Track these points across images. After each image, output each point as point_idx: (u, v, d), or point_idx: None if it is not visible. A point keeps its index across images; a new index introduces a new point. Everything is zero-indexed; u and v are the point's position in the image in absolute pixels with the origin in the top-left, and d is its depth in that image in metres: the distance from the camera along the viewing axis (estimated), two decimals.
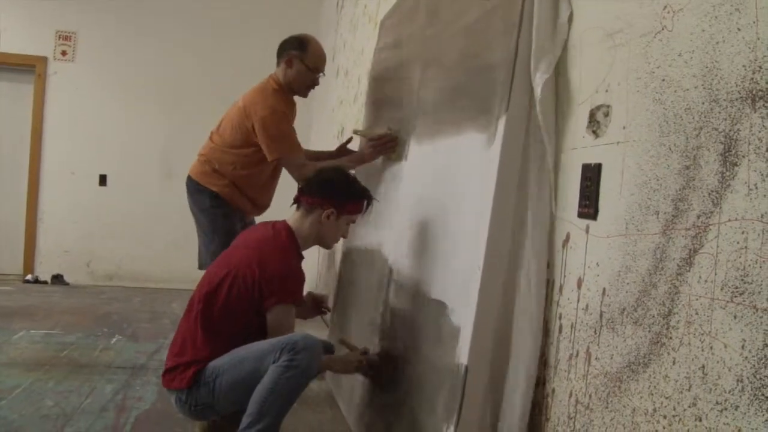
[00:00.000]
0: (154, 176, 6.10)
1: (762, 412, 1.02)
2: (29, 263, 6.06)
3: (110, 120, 6.05)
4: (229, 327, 2.19)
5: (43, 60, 5.99)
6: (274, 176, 3.13)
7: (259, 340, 2.16)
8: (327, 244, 2.43)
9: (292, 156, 2.93)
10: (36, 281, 5.94)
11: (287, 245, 2.28)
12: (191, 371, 2.14)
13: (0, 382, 3.03)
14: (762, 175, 1.06)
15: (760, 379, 1.03)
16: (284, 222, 2.36)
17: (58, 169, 6.03)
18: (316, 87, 3.11)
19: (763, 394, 1.02)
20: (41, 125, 6.01)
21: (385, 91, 3.12)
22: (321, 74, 3.05)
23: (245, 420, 2.04)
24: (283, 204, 2.74)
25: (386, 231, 2.62)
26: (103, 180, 6.12)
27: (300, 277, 2.27)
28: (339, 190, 2.34)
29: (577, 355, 1.55)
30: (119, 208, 6.07)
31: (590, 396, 1.49)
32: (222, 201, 3.03)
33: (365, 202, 2.38)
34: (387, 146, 2.80)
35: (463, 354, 1.71)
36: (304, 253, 2.39)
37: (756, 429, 1.03)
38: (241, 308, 2.19)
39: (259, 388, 2.03)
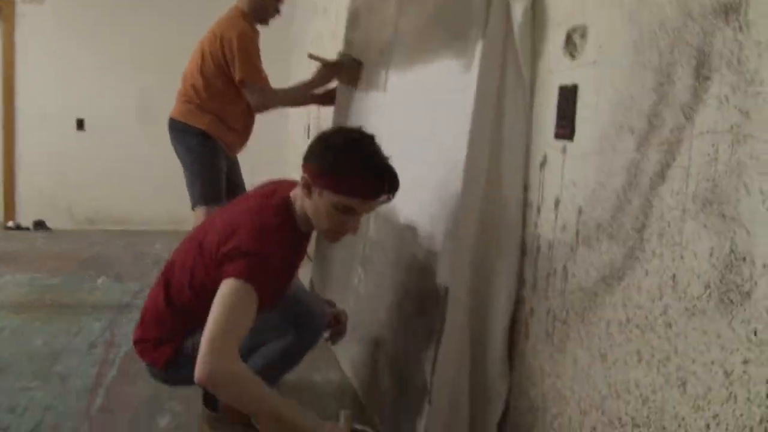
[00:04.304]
0: (133, 119, 6.01)
1: (726, 314, 1.07)
2: (10, 210, 6.00)
3: (85, 63, 5.90)
4: (196, 303, 1.81)
5: (10, 2, 5.80)
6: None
7: None
8: (318, 229, 1.83)
9: (255, 79, 2.95)
10: (18, 228, 5.90)
11: (272, 223, 1.75)
12: (166, 350, 1.89)
13: None
14: (733, 87, 1.08)
15: (726, 284, 1.07)
16: (288, 189, 1.87)
17: (34, 114, 5.91)
18: (278, 17, 3.19)
19: (728, 298, 1.07)
20: (12, 70, 5.87)
21: (363, 24, 3.09)
22: (282, 2, 3.15)
23: None
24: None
25: None
26: (80, 124, 6.03)
27: (271, 260, 1.67)
28: (315, 151, 1.74)
29: (554, 273, 1.60)
30: (98, 152, 5.99)
31: (567, 312, 1.54)
32: (209, 139, 3.04)
33: (359, 184, 1.67)
34: (338, 72, 2.99)
35: (443, 276, 1.75)
36: None
37: (720, 330, 1.08)
38: (201, 282, 1.80)
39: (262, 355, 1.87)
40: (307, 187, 1.73)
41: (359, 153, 1.69)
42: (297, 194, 1.81)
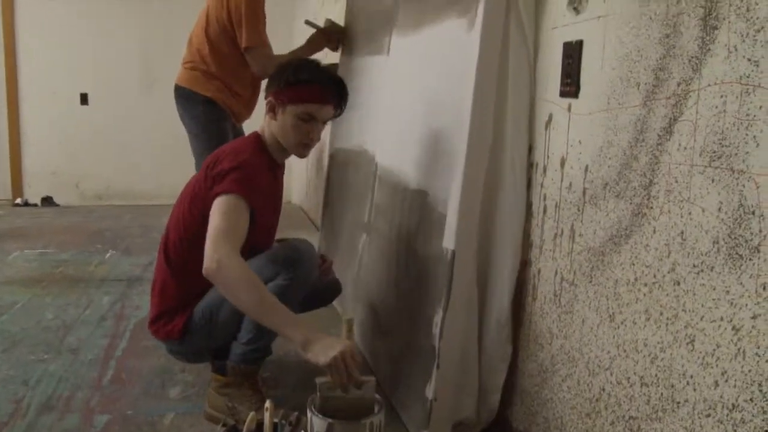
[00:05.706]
0: (136, 91, 5.98)
1: (735, 269, 1.05)
2: (17, 187, 6.02)
3: (85, 37, 5.87)
4: (190, 254, 1.88)
5: None
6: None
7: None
8: (288, 146, 1.98)
9: (261, 46, 2.92)
10: (26, 204, 5.93)
11: (246, 146, 1.96)
12: (178, 322, 1.96)
13: None
14: (742, 35, 1.04)
15: (735, 238, 1.05)
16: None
17: (37, 90, 5.89)
18: None
19: (737, 253, 1.05)
20: (14, 45, 5.84)
21: None
22: None
23: (245, 336, 1.91)
24: None
25: (371, 128, 2.61)
26: (84, 99, 6.00)
27: (253, 173, 1.86)
28: (275, 75, 1.96)
29: (561, 233, 1.58)
30: (103, 126, 5.98)
31: (575, 272, 1.52)
32: (215, 107, 3.01)
33: (315, 90, 1.91)
34: (328, 37, 3.17)
35: (449, 239, 1.74)
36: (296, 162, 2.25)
37: (729, 285, 1.06)
38: (194, 227, 1.89)
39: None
40: (272, 110, 1.95)
41: (310, 67, 1.95)
42: (264, 126, 2.01)
